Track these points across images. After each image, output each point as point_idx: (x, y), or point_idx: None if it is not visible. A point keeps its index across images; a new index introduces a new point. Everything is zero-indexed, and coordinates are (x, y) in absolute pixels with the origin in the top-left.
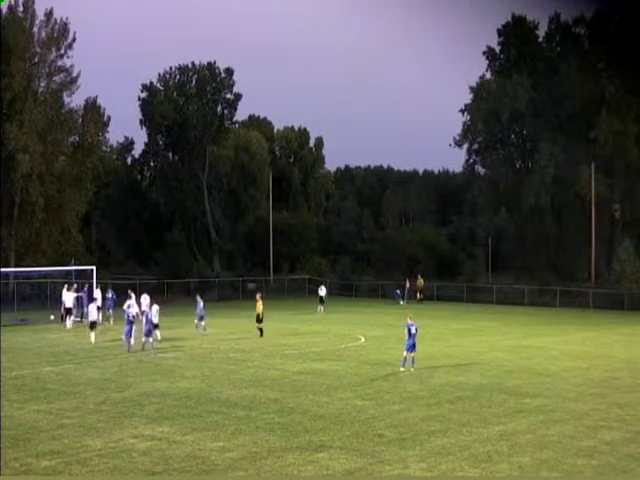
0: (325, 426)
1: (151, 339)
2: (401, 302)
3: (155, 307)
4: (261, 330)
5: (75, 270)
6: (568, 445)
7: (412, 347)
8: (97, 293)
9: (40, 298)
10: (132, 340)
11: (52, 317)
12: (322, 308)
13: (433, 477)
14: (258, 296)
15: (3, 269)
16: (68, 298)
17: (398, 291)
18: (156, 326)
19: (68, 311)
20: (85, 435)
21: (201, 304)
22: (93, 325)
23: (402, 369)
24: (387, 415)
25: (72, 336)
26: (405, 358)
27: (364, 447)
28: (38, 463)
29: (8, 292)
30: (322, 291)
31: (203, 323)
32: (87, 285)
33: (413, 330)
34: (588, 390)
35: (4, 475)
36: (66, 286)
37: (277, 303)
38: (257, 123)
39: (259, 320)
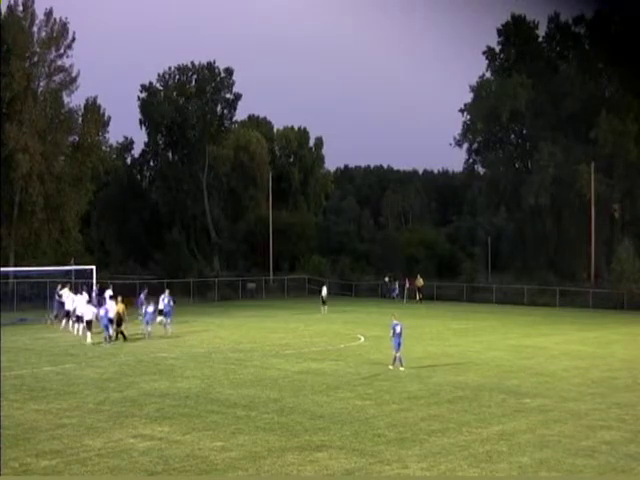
0: (325, 426)
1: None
2: (403, 302)
3: (111, 302)
4: (122, 334)
5: (75, 270)
6: (568, 445)
7: (398, 346)
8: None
9: (40, 298)
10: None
11: (52, 316)
12: (326, 308)
13: (433, 477)
14: (120, 298)
15: (3, 268)
16: (68, 299)
17: (387, 278)
18: (110, 320)
19: (67, 314)
20: (85, 435)
21: (166, 300)
22: (89, 325)
23: (391, 367)
24: (387, 415)
25: (72, 336)
26: (395, 357)
27: (364, 447)
28: (38, 463)
29: (8, 291)
30: (323, 292)
31: (169, 320)
32: (85, 286)
33: (398, 329)
34: (588, 390)
35: (4, 475)
36: (63, 286)
37: (277, 303)
38: (257, 123)
39: (119, 323)
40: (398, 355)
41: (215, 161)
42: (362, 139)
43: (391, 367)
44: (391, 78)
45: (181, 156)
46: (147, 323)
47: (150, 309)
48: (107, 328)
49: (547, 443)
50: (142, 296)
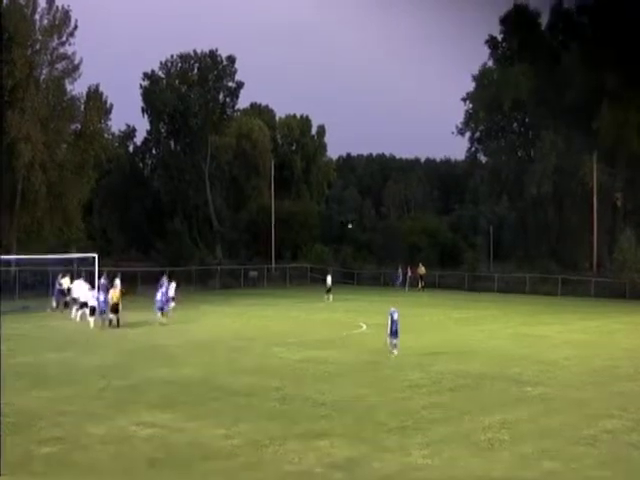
0: (326, 414)
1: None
2: (405, 290)
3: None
4: (117, 321)
5: (77, 258)
6: (569, 434)
7: (395, 333)
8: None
9: (42, 285)
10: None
11: (54, 304)
12: (331, 297)
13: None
14: (119, 284)
15: (5, 256)
16: (74, 288)
17: (399, 273)
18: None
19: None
20: (87, 422)
21: (168, 286)
22: (92, 311)
23: (395, 352)
24: (388, 403)
25: (74, 323)
26: (392, 344)
27: (365, 435)
28: (40, 450)
29: (10, 279)
30: (328, 280)
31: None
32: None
33: (395, 316)
34: (589, 379)
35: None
36: (64, 275)
37: (279, 291)
38: (259, 111)
39: (116, 310)
40: (395, 342)
41: (217, 149)
42: (364, 127)
43: (395, 352)
44: (393, 66)
45: (183, 144)
46: (159, 310)
47: (158, 297)
48: (104, 313)
49: (548, 432)
50: (164, 281)
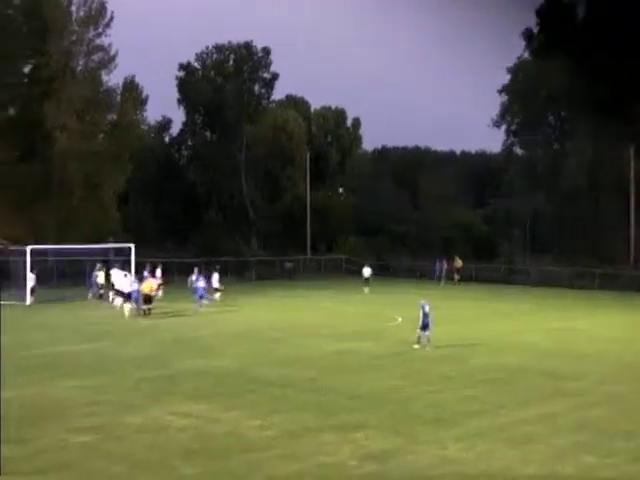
0: (361, 406)
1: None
2: (441, 283)
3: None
4: (148, 311)
5: (114, 248)
6: (606, 427)
7: (426, 326)
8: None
9: (79, 275)
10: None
11: (90, 295)
12: (367, 289)
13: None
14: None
15: (42, 246)
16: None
17: (437, 266)
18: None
19: (123, 294)
20: (122, 412)
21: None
22: (128, 298)
23: (416, 346)
24: (423, 395)
25: (112, 312)
26: (419, 336)
27: (401, 427)
28: (75, 439)
29: (47, 269)
30: (366, 272)
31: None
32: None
33: (427, 309)
34: (626, 373)
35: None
36: (100, 268)
37: (314, 283)
38: (294, 102)
39: (149, 300)
40: (427, 335)
41: (252, 141)
42: (399, 119)
43: (416, 346)
44: (429, 58)
45: (219, 136)
46: (200, 298)
47: (201, 284)
48: (137, 302)
49: (585, 426)
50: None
